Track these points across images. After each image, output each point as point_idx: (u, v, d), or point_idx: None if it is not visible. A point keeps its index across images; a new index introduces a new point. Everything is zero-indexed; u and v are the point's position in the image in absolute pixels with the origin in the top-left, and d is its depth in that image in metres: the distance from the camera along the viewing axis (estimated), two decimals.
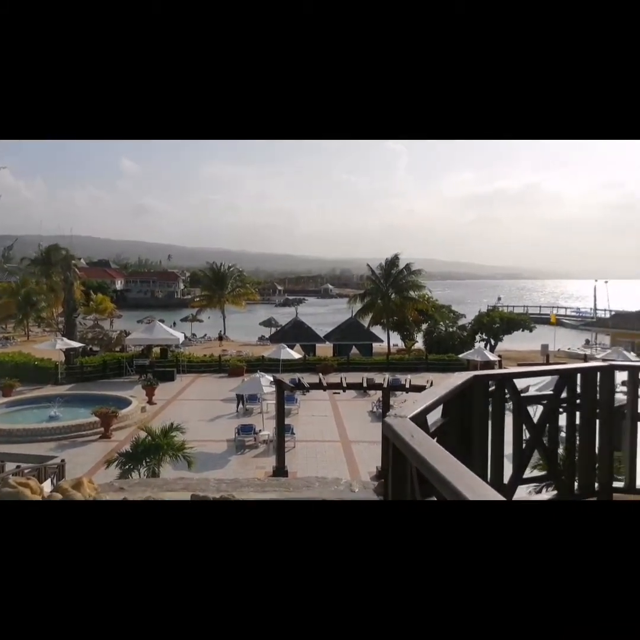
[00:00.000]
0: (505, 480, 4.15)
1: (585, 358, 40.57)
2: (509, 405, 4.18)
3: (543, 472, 4.32)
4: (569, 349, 48.55)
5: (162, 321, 40.61)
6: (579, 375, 4.38)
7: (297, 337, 40.50)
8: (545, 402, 4.30)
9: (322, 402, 26.50)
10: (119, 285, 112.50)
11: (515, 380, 4.16)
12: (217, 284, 63.93)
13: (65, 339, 35.39)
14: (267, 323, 55.43)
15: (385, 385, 19.47)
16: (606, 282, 52.73)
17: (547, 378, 5.50)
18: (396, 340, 47.15)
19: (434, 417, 3.38)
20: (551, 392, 4.29)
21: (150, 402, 26.61)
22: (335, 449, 20.30)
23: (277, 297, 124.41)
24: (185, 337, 45.52)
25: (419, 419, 2.80)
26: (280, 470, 17.44)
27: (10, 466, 14.84)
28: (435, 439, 3.26)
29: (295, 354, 32.49)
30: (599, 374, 4.42)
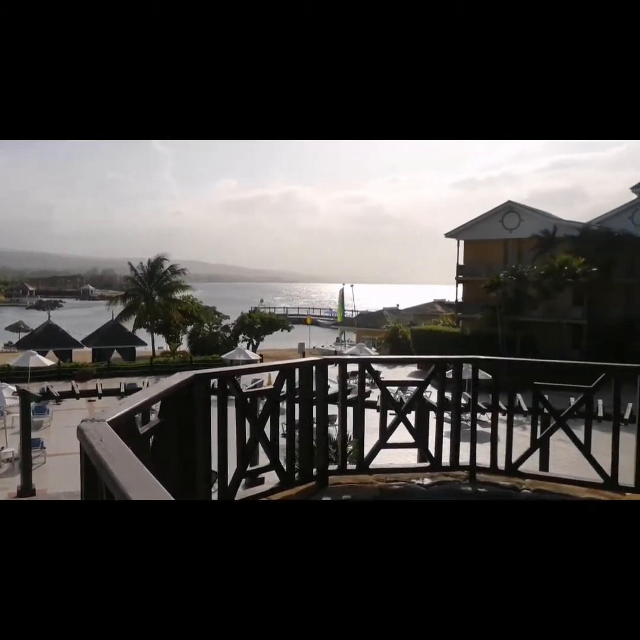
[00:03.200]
0: (230, 474, 4.29)
1: (335, 353, 44.08)
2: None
3: (267, 462, 4.55)
4: (322, 346, 52.34)
5: None
6: (297, 370, 4.71)
7: (50, 342, 37.39)
8: (265, 397, 4.54)
9: (79, 411, 24.73)
10: None
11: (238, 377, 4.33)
12: None
13: None
14: (15, 328, 50.23)
15: (144, 388, 18.89)
16: (352, 285, 57.97)
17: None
18: (161, 342, 46.06)
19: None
20: (272, 387, 4.55)
21: None
22: None
23: (29, 299, 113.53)
24: None
25: (123, 421, 2.74)
26: (26, 490, 15.93)
27: None
28: (152, 438, 3.24)
29: (47, 361, 29.81)
30: (314, 368, 4.80)
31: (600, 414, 10.59)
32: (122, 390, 19.63)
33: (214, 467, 4.16)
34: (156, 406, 3.42)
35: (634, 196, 39.04)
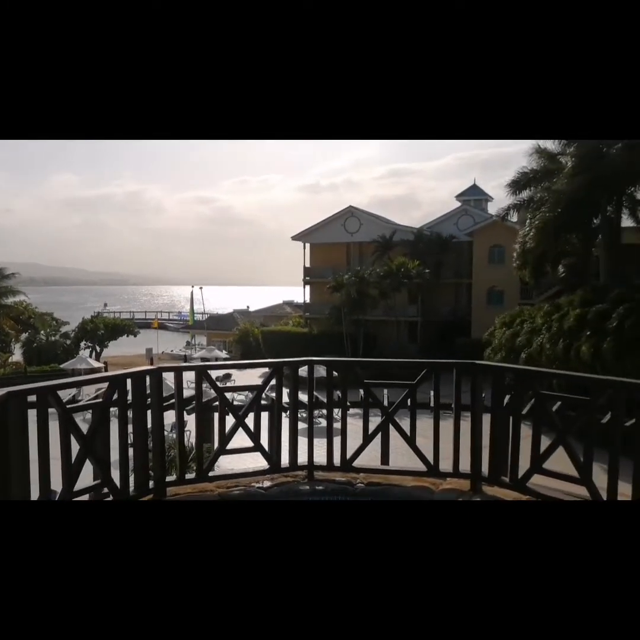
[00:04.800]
0: (57, 495, 4.04)
1: (185, 358, 43.21)
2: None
3: (98, 481, 4.35)
4: (171, 350, 51.00)
5: None
6: (129, 380, 4.55)
7: None
8: (91, 410, 4.34)
9: None
10: None
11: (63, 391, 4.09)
12: None
13: None
14: None
15: None
16: (201, 288, 57.33)
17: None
18: None
19: None
20: (100, 400, 4.35)
21: None
22: None
23: None
24: None
25: None
26: None
27: None
28: None
29: None
30: (148, 376, 4.68)
31: (432, 404, 11.40)
32: None
33: (35, 492, 3.88)
34: None
35: (459, 204, 42.81)
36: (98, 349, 44.04)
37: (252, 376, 26.19)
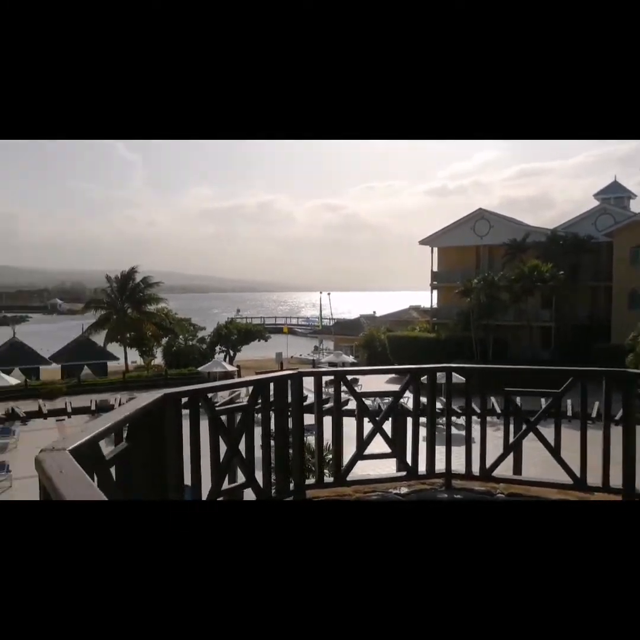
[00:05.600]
0: (204, 494, 4.25)
1: (313, 362, 44.10)
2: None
3: (243, 481, 4.53)
4: (300, 355, 52.31)
5: None
6: (271, 384, 4.70)
7: (16, 359, 36.48)
8: (240, 412, 4.52)
9: (48, 431, 24.28)
10: None
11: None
12: None
13: None
14: None
15: (117, 406, 18.65)
16: (329, 294, 58.23)
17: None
18: (135, 356, 45.50)
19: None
20: (245, 403, 4.53)
21: None
22: None
23: None
24: None
25: (87, 448, 2.56)
26: None
27: None
28: (114, 465, 3.06)
29: (11, 380, 29.25)
30: (289, 381, 4.81)
31: (570, 413, 10.78)
32: (93, 408, 19.19)
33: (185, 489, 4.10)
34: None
35: (597, 202, 40.07)
36: (231, 353, 46.04)
37: (378, 382, 26.16)
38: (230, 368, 35.66)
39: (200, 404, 4.14)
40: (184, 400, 4.05)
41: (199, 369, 35.47)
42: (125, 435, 3.31)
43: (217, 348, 45.79)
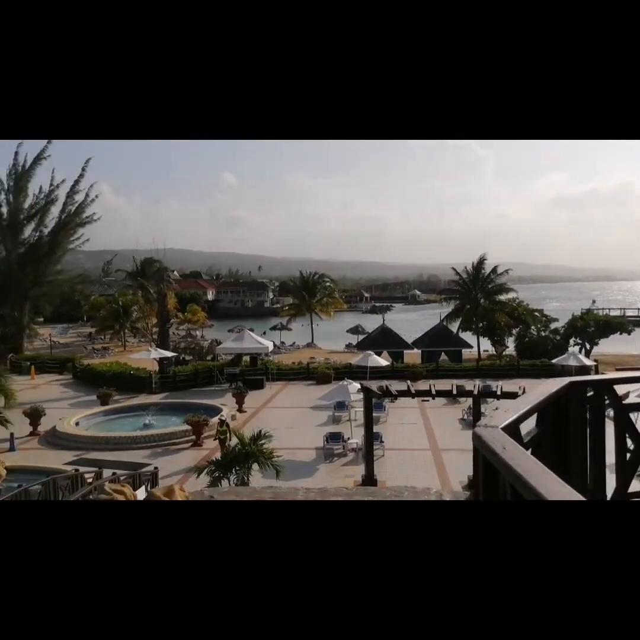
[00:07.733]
0: (609, 495, 3.89)
1: None
2: (609, 413, 3.93)
3: None
4: None
5: (251, 330, 41.65)
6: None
7: (384, 344, 40.24)
8: None
9: (411, 409, 26.17)
10: (210, 295, 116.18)
11: (616, 386, 3.90)
12: (306, 292, 65.09)
13: (159, 349, 36.94)
14: (354, 330, 55.52)
15: (475, 392, 18.95)
16: None
17: None
18: (486, 345, 45.91)
19: (528, 426, 3.22)
20: None
21: (240, 410, 27.24)
22: (425, 457, 19.96)
23: (364, 304, 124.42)
24: (274, 345, 46.33)
25: (511, 429, 2.66)
26: (369, 479, 17.33)
27: (107, 473, 15.60)
28: (529, 450, 3.09)
29: (382, 361, 32.29)
30: None
31: None
32: (454, 391, 19.88)
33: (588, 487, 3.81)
34: None
35: None
36: (588, 346, 42.87)
37: None
38: (587, 362, 33.09)
39: (605, 397, 3.79)
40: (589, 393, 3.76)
41: (553, 361, 33.84)
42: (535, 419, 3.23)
43: (572, 340, 43.11)
